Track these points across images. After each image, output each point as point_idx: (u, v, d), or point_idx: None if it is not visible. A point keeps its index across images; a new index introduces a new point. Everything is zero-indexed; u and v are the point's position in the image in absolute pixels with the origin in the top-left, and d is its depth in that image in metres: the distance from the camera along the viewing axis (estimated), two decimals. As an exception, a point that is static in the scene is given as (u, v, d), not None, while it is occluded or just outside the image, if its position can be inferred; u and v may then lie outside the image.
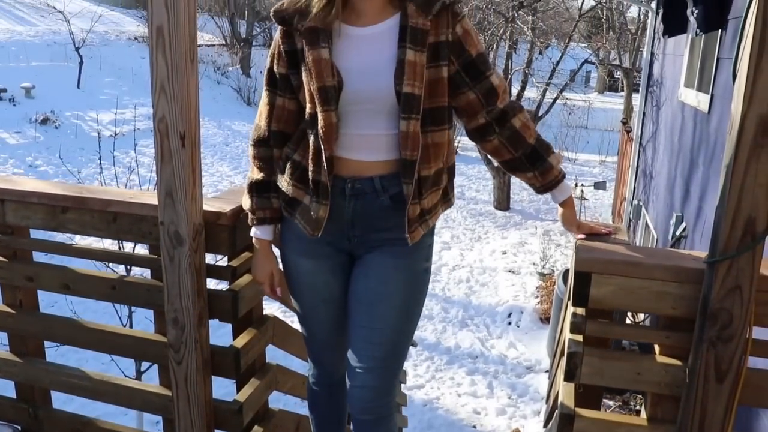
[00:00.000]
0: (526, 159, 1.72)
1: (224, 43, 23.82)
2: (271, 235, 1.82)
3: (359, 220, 1.69)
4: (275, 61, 1.69)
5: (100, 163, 6.06)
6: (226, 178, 12.56)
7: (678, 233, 5.36)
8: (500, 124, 1.70)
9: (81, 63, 16.80)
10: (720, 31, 4.63)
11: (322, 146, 1.60)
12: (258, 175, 1.78)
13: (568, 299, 1.88)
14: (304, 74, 1.62)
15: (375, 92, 1.59)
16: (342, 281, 1.79)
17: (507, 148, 1.72)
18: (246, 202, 1.80)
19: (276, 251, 1.88)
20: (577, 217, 1.81)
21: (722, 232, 1.48)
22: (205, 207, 1.89)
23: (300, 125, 1.71)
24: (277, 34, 1.69)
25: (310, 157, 1.64)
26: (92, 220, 2.07)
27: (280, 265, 1.88)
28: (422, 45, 1.57)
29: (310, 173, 1.65)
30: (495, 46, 13.29)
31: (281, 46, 1.67)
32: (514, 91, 12.81)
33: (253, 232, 1.81)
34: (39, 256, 2.34)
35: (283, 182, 1.73)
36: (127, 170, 9.31)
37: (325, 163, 1.61)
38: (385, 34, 1.60)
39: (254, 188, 1.78)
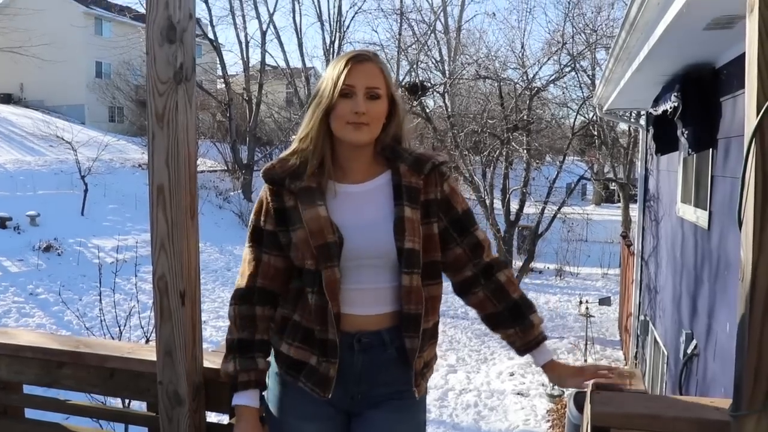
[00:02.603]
0: (509, 313, 1.72)
1: (226, 168, 24.45)
2: (257, 402, 1.67)
3: (366, 374, 1.64)
4: (262, 219, 1.66)
5: (100, 298, 6.05)
6: (228, 304, 12.44)
7: (689, 352, 5.22)
8: (486, 277, 1.73)
9: (86, 190, 17.19)
10: (711, 149, 4.71)
11: (330, 303, 1.57)
12: (240, 334, 1.66)
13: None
14: (297, 232, 1.60)
15: (376, 248, 1.60)
16: None
17: (491, 300, 1.73)
18: (227, 366, 1.65)
19: None
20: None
21: (745, 387, 1.41)
22: (206, 364, 1.83)
23: (289, 284, 1.68)
24: (263, 191, 1.67)
25: (313, 315, 1.60)
26: (89, 376, 2.01)
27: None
28: (416, 202, 1.62)
29: (316, 332, 1.61)
30: (492, 166, 13.59)
31: (270, 203, 1.65)
32: (513, 209, 12.97)
33: (236, 400, 1.64)
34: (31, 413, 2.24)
35: (283, 345, 1.66)
36: (128, 297, 9.26)
37: (332, 320, 1.58)
38: (377, 191, 1.65)
39: (236, 348, 1.65)
